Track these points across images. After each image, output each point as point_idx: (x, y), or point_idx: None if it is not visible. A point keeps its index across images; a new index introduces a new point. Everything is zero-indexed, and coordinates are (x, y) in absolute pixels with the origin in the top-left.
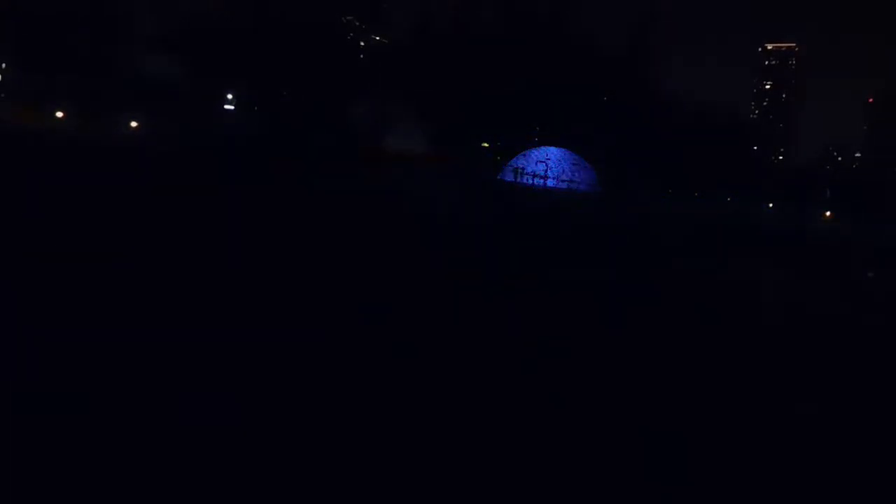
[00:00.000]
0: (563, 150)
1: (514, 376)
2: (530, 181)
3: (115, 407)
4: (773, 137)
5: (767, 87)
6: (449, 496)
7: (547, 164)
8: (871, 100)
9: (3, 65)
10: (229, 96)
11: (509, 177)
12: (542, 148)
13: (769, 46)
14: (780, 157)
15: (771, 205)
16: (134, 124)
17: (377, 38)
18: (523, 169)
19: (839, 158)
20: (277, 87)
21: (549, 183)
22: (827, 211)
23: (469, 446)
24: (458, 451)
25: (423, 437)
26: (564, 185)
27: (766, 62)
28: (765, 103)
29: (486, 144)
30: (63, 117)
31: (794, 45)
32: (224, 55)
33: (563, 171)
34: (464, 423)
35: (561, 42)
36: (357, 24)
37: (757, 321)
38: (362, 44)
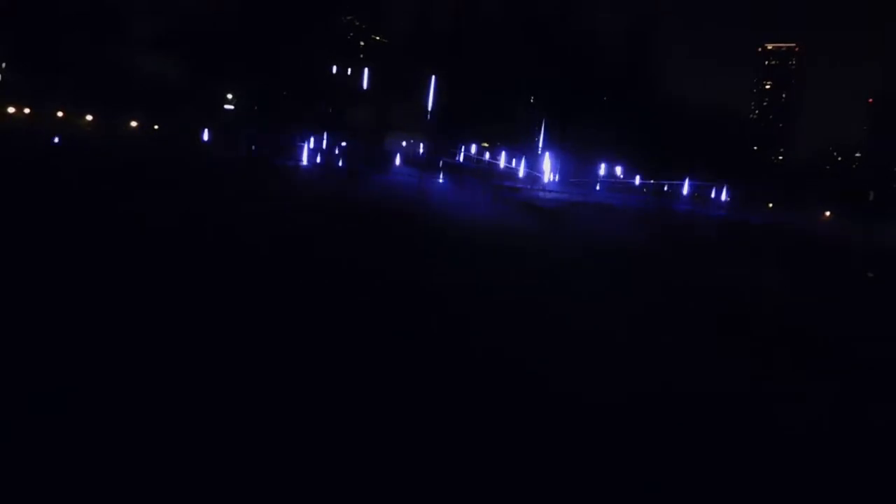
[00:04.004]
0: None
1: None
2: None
3: (114, 406)
4: (772, 137)
5: (767, 87)
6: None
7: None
8: (871, 100)
9: (3, 65)
10: (229, 96)
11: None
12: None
13: (769, 46)
14: (780, 157)
15: (770, 204)
16: (133, 124)
17: (377, 38)
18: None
19: (839, 158)
20: (277, 87)
21: (551, 185)
22: (827, 211)
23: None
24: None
25: (417, 437)
26: (566, 187)
27: (766, 62)
28: (765, 103)
29: (486, 144)
30: (63, 117)
31: (794, 45)
32: (224, 55)
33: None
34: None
35: (561, 41)
36: (357, 24)
37: (756, 321)
38: (362, 44)
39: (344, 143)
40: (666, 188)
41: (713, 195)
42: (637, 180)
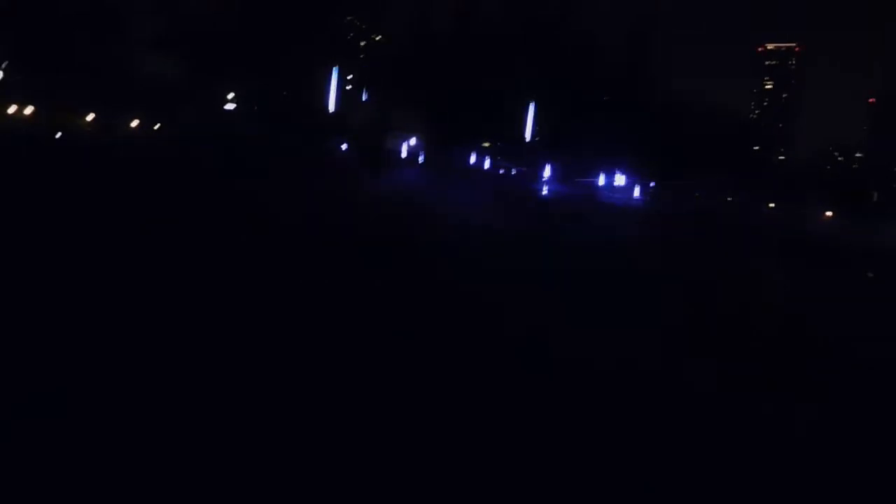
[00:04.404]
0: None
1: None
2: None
3: (114, 407)
4: (773, 137)
5: (768, 87)
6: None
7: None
8: (871, 100)
9: (5, 63)
10: (230, 95)
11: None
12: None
13: (769, 46)
14: (781, 157)
15: (772, 204)
16: (134, 123)
17: (377, 37)
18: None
19: (840, 159)
20: (277, 86)
21: (551, 184)
22: (828, 211)
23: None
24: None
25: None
26: (566, 187)
27: (767, 62)
28: (765, 103)
29: (487, 144)
30: (64, 117)
31: (794, 44)
32: (225, 55)
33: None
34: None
35: (562, 41)
36: (357, 23)
37: (759, 318)
38: (363, 44)
39: (344, 144)
40: (667, 188)
41: (713, 195)
42: (638, 180)
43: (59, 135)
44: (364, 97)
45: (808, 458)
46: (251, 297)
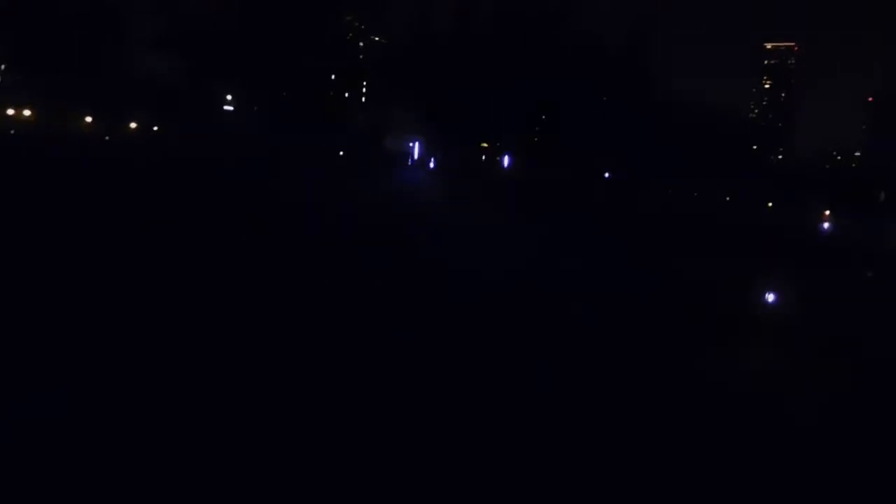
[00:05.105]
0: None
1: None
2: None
3: (114, 407)
4: (771, 137)
5: (767, 86)
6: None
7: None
8: (870, 99)
9: (2, 66)
10: (229, 97)
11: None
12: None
13: (769, 46)
14: (780, 157)
15: (770, 204)
16: (133, 123)
17: (377, 38)
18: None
19: (838, 158)
20: (277, 87)
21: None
22: (826, 210)
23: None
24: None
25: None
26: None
27: (766, 62)
28: (764, 103)
29: (485, 144)
30: (63, 119)
31: (793, 44)
32: (224, 56)
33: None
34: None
35: (561, 40)
36: (357, 24)
37: (757, 320)
38: (362, 44)
39: (343, 144)
40: (666, 188)
41: (712, 195)
42: (636, 180)
43: (58, 135)
44: (363, 97)
45: (808, 457)
46: (251, 297)
